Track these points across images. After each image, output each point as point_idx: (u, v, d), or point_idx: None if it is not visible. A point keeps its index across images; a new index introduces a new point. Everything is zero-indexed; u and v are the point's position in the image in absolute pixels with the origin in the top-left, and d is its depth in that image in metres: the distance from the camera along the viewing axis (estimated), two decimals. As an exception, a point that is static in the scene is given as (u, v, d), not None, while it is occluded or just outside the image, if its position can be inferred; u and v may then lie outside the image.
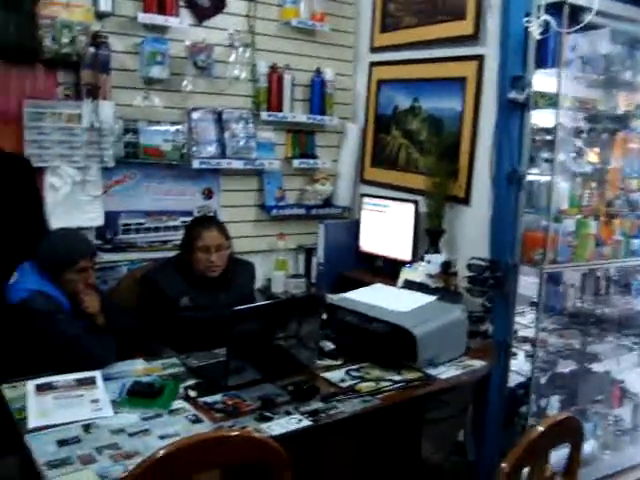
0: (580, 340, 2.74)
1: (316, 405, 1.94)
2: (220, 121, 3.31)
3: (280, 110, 3.48)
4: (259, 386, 2.03)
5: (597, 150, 2.62)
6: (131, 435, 1.70)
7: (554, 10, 2.21)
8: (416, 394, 2.14)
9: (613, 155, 2.64)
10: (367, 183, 3.76)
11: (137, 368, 2.16)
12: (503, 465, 1.43)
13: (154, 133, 3.08)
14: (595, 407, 2.80)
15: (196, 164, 3.19)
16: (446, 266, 2.89)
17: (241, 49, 3.29)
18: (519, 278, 2.36)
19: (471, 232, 3.01)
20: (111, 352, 2.17)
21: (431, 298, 2.54)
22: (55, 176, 2.81)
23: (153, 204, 3.20)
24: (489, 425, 2.46)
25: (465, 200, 3.08)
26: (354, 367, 2.25)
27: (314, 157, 3.68)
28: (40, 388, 1.89)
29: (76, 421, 1.75)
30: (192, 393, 1.97)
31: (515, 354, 2.47)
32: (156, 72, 3.01)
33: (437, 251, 3.05)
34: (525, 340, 2.51)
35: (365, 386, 2.09)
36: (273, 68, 3.43)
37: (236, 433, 1.49)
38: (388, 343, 2.26)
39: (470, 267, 2.52)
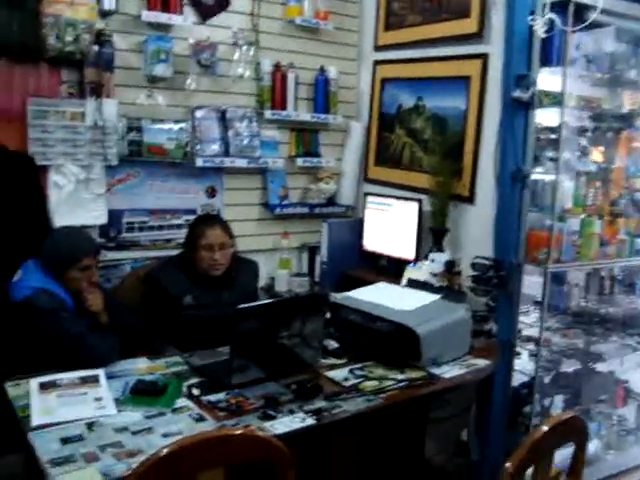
0: (584, 340, 2.74)
1: (320, 404, 1.94)
2: (224, 119, 3.30)
3: (284, 108, 3.47)
4: (263, 385, 2.03)
5: (602, 149, 2.62)
6: (134, 433, 1.70)
7: (559, 8, 2.21)
8: (420, 393, 2.13)
9: (618, 154, 2.64)
10: (371, 182, 3.75)
11: (140, 366, 2.17)
12: (507, 465, 1.42)
13: (158, 131, 3.07)
14: (599, 407, 2.80)
15: (200, 162, 3.18)
16: (450, 265, 2.88)
17: (245, 47, 3.28)
18: (523, 277, 2.36)
19: (475, 231, 3.00)
20: (114, 350, 2.17)
21: (435, 297, 2.53)
22: (59, 174, 2.80)
23: (156, 202, 3.19)
24: (493, 425, 2.46)
25: (469, 199, 3.07)
26: (358, 366, 2.24)
27: (318, 156, 3.67)
28: (44, 386, 1.90)
29: (79, 419, 1.75)
30: (195, 391, 1.97)
31: (519, 353, 2.47)
32: (160, 70, 3.01)
33: (441, 250, 3.04)
34: (529, 339, 2.51)
35: (369, 385, 2.09)
36: (277, 66, 3.43)
37: (240, 432, 1.48)
38: (392, 342, 2.25)
39: (474, 266, 2.52)
